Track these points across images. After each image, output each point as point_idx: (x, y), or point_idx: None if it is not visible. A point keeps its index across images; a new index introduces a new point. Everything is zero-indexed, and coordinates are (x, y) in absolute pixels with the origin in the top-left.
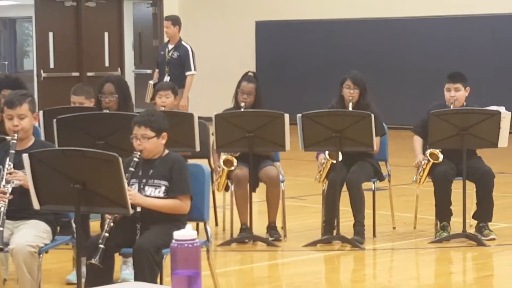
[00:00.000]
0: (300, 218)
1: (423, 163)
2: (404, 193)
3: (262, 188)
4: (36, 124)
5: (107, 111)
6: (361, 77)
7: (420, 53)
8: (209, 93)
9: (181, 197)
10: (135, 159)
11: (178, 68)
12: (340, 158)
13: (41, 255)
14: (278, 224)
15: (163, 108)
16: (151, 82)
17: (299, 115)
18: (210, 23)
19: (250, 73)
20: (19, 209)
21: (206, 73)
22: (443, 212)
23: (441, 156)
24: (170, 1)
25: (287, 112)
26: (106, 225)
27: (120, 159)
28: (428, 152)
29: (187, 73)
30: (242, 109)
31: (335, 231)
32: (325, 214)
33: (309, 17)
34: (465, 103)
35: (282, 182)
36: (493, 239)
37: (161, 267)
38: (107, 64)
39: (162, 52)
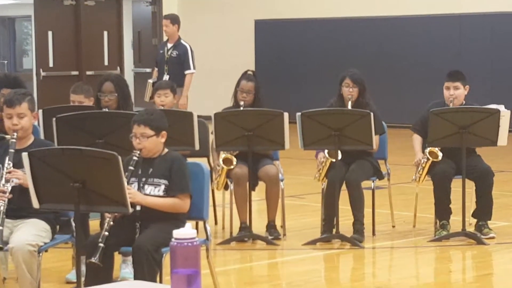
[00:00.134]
0: (299, 217)
1: (422, 161)
2: (403, 192)
3: (261, 186)
4: (36, 123)
5: (107, 110)
6: (360, 76)
7: (419, 51)
8: (209, 92)
9: (181, 196)
10: (135, 158)
11: (177, 66)
12: (340, 156)
13: (40, 254)
14: (278, 222)
15: (162, 107)
16: (150, 81)
17: (298, 113)
18: (209, 21)
19: (249, 72)
20: (18, 208)
21: (205, 72)
22: (442, 211)
23: (440, 155)
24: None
25: (287, 111)
26: (106, 224)
27: (119, 158)
28: (427, 150)
29: (186, 71)
30: (242, 108)
31: (334, 230)
32: (325, 213)
33: (308, 15)
34: (464, 102)
35: (282, 180)
36: (493, 237)
37: (161, 266)
38: (106, 63)
39: (161, 51)
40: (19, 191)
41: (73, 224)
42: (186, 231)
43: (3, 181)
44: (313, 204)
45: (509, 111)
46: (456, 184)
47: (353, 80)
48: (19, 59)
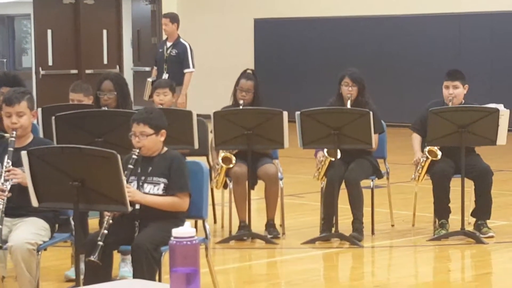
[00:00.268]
0: (298, 216)
1: (421, 160)
2: (402, 191)
3: (260, 185)
4: (35, 122)
5: (106, 109)
6: (360, 75)
7: (419, 50)
8: (208, 91)
9: (180, 195)
10: (134, 156)
11: (177, 65)
12: (339, 155)
13: (39, 253)
14: (277, 221)
15: (161, 106)
16: (150, 79)
17: (297, 112)
18: (209, 20)
19: (248, 71)
20: (17, 206)
21: (204, 71)
22: (441, 210)
23: (439, 154)
24: None
25: (286, 110)
26: (105, 222)
27: (118, 156)
28: (426, 149)
29: (186, 70)
30: (241, 107)
31: (333, 229)
32: (324, 212)
33: (307, 14)
34: (463, 101)
35: (281, 179)
36: (492, 236)
37: (160, 265)
38: (105, 61)
39: (160, 50)
40: (18, 190)
41: (72, 223)
42: (185, 230)
43: (2, 180)
44: (312, 203)
45: (508, 110)
46: (455, 183)
47: (352, 79)
48: (19, 57)
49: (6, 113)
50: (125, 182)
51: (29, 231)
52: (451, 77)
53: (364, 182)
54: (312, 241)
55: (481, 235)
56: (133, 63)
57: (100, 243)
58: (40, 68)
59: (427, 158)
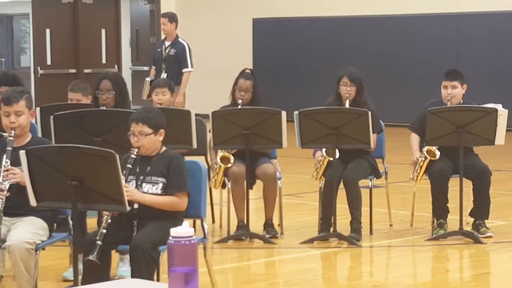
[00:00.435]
0: (297, 215)
1: (420, 160)
2: (401, 191)
3: (259, 185)
4: (33, 121)
5: (104, 108)
6: (358, 75)
7: (417, 50)
8: (206, 90)
9: (179, 194)
10: (133, 156)
11: (175, 65)
12: (337, 155)
13: (38, 252)
14: (275, 221)
15: (159, 105)
16: (148, 79)
17: (296, 112)
18: (207, 20)
19: (247, 70)
20: (16, 206)
21: (203, 70)
22: (440, 210)
23: (438, 153)
24: None
25: (284, 109)
26: (104, 222)
27: (117, 156)
28: (425, 149)
29: (184, 70)
30: (239, 106)
31: (332, 229)
32: (322, 212)
33: (306, 14)
34: (462, 101)
35: (279, 179)
36: (490, 236)
37: (158, 264)
38: (104, 61)
39: (159, 49)
40: (17, 189)
41: (71, 222)
42: (183, 230)
43: (0, 179)
44: (310, 202)
45: (506, 110)
46: (453, 183)
47: (351, 79)
48: (17, 57)
49: (4, 112)
50: (123, 181)
51: (27, 230)
52: (450, 77)
53: (362, 182)
54: (311, 240)
55: (480, 235)
56: (131, 63)
57: (99, 242)
58: (39, 68)
59: (426, 158)
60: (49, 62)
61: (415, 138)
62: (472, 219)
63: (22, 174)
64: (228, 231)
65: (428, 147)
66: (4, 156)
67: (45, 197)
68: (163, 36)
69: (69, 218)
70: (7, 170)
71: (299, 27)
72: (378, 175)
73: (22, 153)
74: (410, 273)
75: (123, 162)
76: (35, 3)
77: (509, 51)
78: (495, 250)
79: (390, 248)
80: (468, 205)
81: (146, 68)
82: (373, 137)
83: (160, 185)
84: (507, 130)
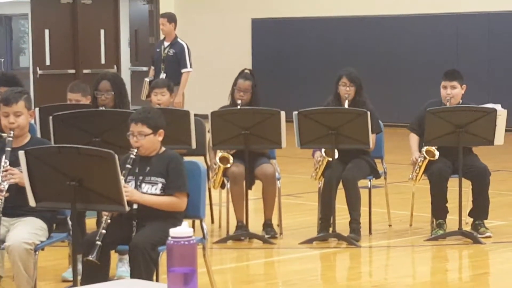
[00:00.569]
0: (296, 216)
1: (419, 160)
2: (400, 191)
3: (258, 185)
4: (32, 121)
5: (103, 108)
6: (357, 75)
7: (416, 50)
8: (205, 91)
9: (178, 194)
10: (132, 156)
11: (174, 65)
12: (336, 155)
13: (37, 252)
14: (274, 221)
15: (158, 106)
16: (147, 79)
17: (295, 112)
18: (206, 20)
19: (246, 71)
20: (15, 206)
21: (202, 71)
22: (439, 210)
23: (437, 154)
24: None
25: (283, 110)
26: (103, 222)
27: (116, 156)
28: (424, 149)
29: (183, 70)
30: (239, 107)
31: (331, 229)
32: (321, 212)
33: (305, 14)
34: (461, 101)
35: (278, 179)
36: (489, 236)
37: (157, 264)
38: (103, 61)
39: (158, 49)
40: (16, 190)
41: (70, 223)
42: (182, 230)
43: None
44: (309, 203)
45: (505, 111)
46: (452, 183)
47: (349, 79)
48: (16, 57)
49: (3, 113)
50: (122, 182)
51: (26, 231)
52: (449, 77)
53: (361, 182)
54: (310, 241)
55: (479, 235)
56: (130, 63)
57: (98, 242)
58: (38, 68)
59: (425, 158)
60: (48, 63)
61: (414, 138)
62: (471, 219)
63: (21, 175)
64: (227, 231)
65: (427, 147)
66: (3, 157)
67: (44, 198)
68: (162, 37)
69: (68, 218)
70: (6, 171)
71: (298, 27)
72: (377, 175)
73: (21, 153)
74: (409, 273)
75: (122, 162)
76: (34, 4)
77: (508, 51)
78: (494, 250)
79: (389, 248)
80: (467, 205)
81: (145, 69)
82: (372, 137)
83: (159, 185)
84: (506, 130)
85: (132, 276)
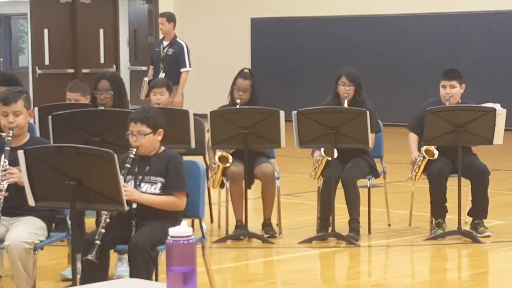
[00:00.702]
0: (295, 215)
1: (418, 160)
2: (399, 190)
3: (257, 185)
4: (31, 121)
5: (103, 108)
6: (356, 74)
7: (416, 50)
8: (205, 90)
9: (177, 194)
10: (131, 155)
11: (173, 64)
12: (336, 155)
13: (36, 252)
14: (273, 221)
15: (157, 105)
16: (146, 79)
17: (294, 112)
18: (205, 20)
19: (245, 70)
20: (14, 206)
21: (201, 70)
22: (438, 209)
23: (436, 153)
24: None
25: (283, 109)
26: (103, 221)
27: (115, 155)
28: (423, 149)
29: (182, 69)
30: (238, 106)
31: (330, 228)
32: (320, 211)
33: (304, 14)
34: (460, 100)
35: (278, 179)
36: (488, 236)
37: (157, 264)
38: (102, 60)
39: (157, 49)
40: (15, 189)
41: (69, 222)
42: (182, 229)
43: None
44: (309, 202)
45: (505, 110)
46: (452, 183)
47: (349, 78)
48: (15, 57)
49: (2, 112)
50: (122, 181)
51: (26, 230)
52: (448, 77)
53: (360, 182)
54: (309, 240)
55: (478, 235)
56: (129, 63)
57: (98, 242)
58: (37, 67)
59: (424, 157)
60: (47, 62)
61: (413, 138)
62: (471, 219)
63: (20, 174)
64: (227, 231)
65: (426, 146)
66: (2, 156)
67: (44, 197)
68: (161, 36)
69: (67, 218)
70: (5, 170)
71: (298, 26)
72: (376, 175)
73: (20, 153)
74: (409, 273)
75: (122, 161)
76: (33, 3)
77: (508, 50)
78: (493, 249)
79: (388, 248)
80: (467, 204)
81: (144, 68)
82: (371, 137)
83: (159, 185)
84: (505, 130)
85: (132, 275)
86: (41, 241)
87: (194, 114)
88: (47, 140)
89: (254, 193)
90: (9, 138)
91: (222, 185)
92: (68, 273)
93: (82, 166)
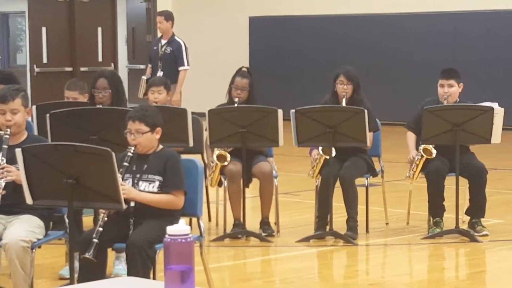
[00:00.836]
0: (293, 214)
1: (416, 158)
2: (397, 189)
3: (255, 183)
4: (29, 119)
5: (101, 106)
6: (355, 73)
7: (414, 49)
8: (203, 89)
9: (175, 193)
10: (129, 154)
11: (171, 63)
12: (334, 153)
13: (34, 250)
14: (271, 219)
15: (155, 104)
16: (144, 77)
17: (292, 110)
18: (204, 18)
19: (244, 69)
20: (12, 204)
21: (199, 69)
22: (436, 208)
23: (434, 152)
24: None
25: (281, 108)
26: (100, 220)
27: (113, 154)
28: (421, 148)
29: (180, 68)
30: (236, 105)
31: (328, 227)
32: (318, 210)
33: (302, 12)
34: (458, 99)
35: (275, 177)
36: (486, 235)
37: (154, 262)
38: (100, 59)
39: (155, 47)
40: (13, 187)
41: (67, 220)
42: (179, 228)
43: None
44: (307, 201)
45: (502, 109)
46: (449, 182)
47: (347, 77)
48: (13, 55)
49: (0, 110)
50: (120, 179)
51: (23, 228)
52: (446, 76)
53: (358, 180)
54: (307, 239)
55: (476, 234)
56: (128, 61)
57: (95, 240)
58: (35, 66)
59: (422, 156)
60: (45, 60)
61: (411, 137)
62: (468, 218)
63: (18, 172)
64: (225, 229)
65: (424, 145)
66: (0, 154)
67: (41, 195)
68: (159, 34)
69: (65, 216)
70: (2, 168)
71: (296, 25)
72: (374, 174)
73: (18, 151)
74: (406, 272)
75: (120, 160)
76: (31, 1)
77: (506, 50)
78: (491, 248)
79: (386, 247)
80: (464, 203)
81: (142, 66)
82: (369, 136)
83: (157, 183)
84: (503, 129)
85: (129, 274)
86: (38, 240)
87: (192, 113)
88: (45, 138)
89: (252, 191)
90: (7, 136)
91: (220, 184)
92: (65, 272)
93: (80, 165)
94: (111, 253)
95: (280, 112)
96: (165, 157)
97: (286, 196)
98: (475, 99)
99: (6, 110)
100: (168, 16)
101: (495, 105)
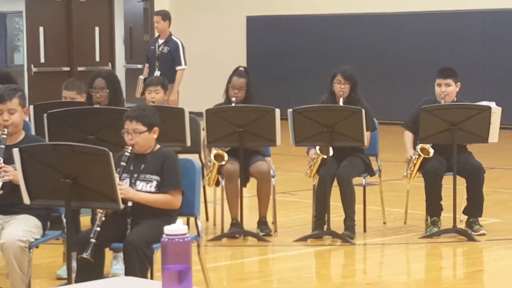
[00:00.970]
0: (290, 213)
1: (413, 158)
2: (394, 188)
3: (253, 183)
4: (27, 119)
5: (98, 106)
6: (352, 72)
7: (411, 48)
8: (200, 88)
9: (173, 192)
10: (127, 153)
11: (169, 63)
12: (331, 153)
13: (31, 250)
14: (269, 219)
15: (152, 104)
16: (142, 77)
17: (290, 110)
18: (201, 18)
19: (241, 68)
20: (9, 204)
21: (196, 68)
22: (433, 207)
23: (431, 151)
24: None
25: (278, 107)
26: (98, 220)
27: (110, 153)
28: (419, 147)
29: (178, 67)
30: (233, 104)
31: (325, 226)
32: (316, 209)
33: (300, 12)
34: (455, 99)
35: (273, 177)
36: (483, 234)
37: (152, 262)
38: (97, 58)
39: (152, 47)
40: (10, 187)
41: (64, 220)
42: (177, 227)
43: None
44: (304, 200)
45: (500, 108)
46: (447, 181)
47: (344, 76)
48: (10, 54)
49: None
50: (117, 179)
51: (21, 228)
52: (443, 75)
53: (356, 180)
54: (304, 238)
55: (473, 233)
56: (125, 61)
57: (93, 240)
58: (32, 66)
59: (419, 155)
60: (42, 60)
61: (408, 136)
62: (466, 217)
63: (15, 172)
64: (222, 229)
65: (421, 145)
66: None
67: (39, 195)
68: (156, 34)
69: (62, 216)
70: (0, 168)
71: (293, 24)
72: (371, 173)
73: (15, 151)
74: (404, 271)
75: (117, 160)
76: (29, 1)
77: (503, 49)
78: (488, 247)
79: (383, 246)
80: (462, 203)
81: (139, 66)
82: (367, 135)
83: (154, 183)
84: (500, 128)
85: (127, 273)
86: (36, 239)
87: (190, 112)
88: (43, 138)
89: (250, 191)
90: (4, 136)
91: (217, 183)
92: (63, 272)
93: (77, 164)
94: (108, 253)
95: (277, 111)
96: (162, 156)
97: (283, 196)
98: (472, 98)
99: (4, 110)
100: (165, 15)
101: (492, 104)
